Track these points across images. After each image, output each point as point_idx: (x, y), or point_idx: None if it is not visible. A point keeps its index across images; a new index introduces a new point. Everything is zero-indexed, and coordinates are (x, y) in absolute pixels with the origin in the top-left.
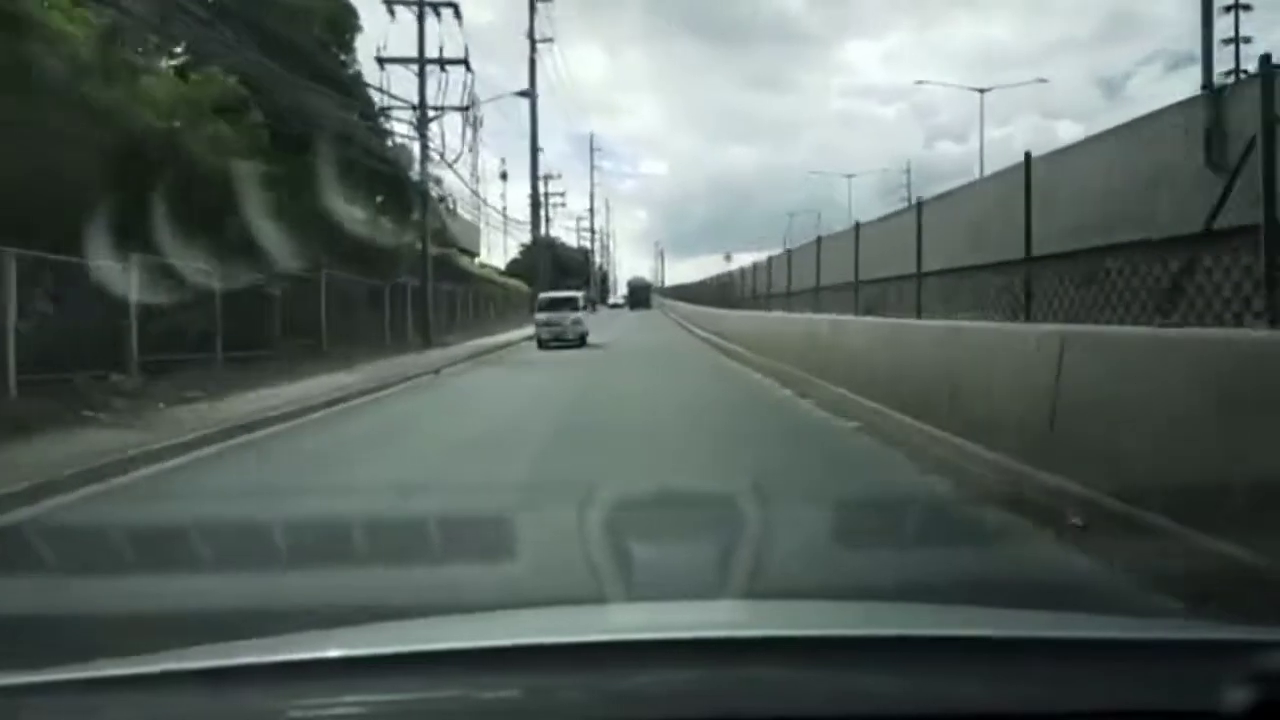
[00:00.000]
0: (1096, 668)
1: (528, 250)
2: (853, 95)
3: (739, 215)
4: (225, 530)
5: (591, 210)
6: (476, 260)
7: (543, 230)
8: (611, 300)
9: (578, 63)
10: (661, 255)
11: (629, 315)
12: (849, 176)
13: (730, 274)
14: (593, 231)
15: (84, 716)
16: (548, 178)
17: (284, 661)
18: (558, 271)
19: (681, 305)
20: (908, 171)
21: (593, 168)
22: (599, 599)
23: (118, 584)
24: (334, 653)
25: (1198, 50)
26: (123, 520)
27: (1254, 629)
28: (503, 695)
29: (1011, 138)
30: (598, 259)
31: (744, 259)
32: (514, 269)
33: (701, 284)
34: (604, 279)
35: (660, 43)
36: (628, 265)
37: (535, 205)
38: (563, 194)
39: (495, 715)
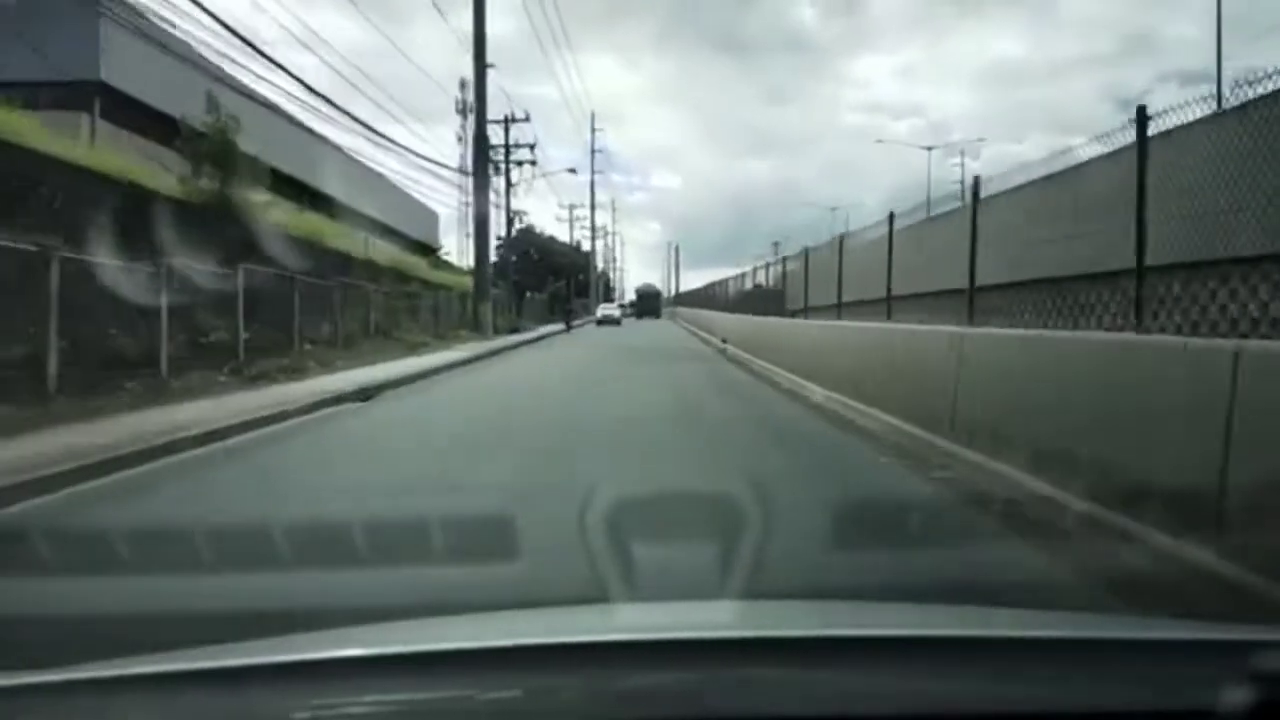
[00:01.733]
0: (1095, 667)
1: (509, 244)
2: (865, 110)
3: (750, 228)
4: (225, 531)
5: (592, 199)
6: (440, 254)
7: (503, 198)
8: (602, 311)
9: (591, 74)
10: (676, 251)
11: (628, 331)
12: (929, 149)
13: (768, 270)
14: (593, 226)
15: (86, 717)
16: (509, 120)
17: (286, 662)
18: (543, 270)
19: (719, 319)
20: (961, 163)
21: (593, 152)
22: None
23: (118, 584)
24: (337, 653)
25: (1213, 69)
26: (123, 520)
27: (1253, 628)
28: (504, 695)
29: (1024, 155)
30: (600, 261)
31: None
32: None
33: (741, 287)
34: (607, 285)
35: (673, 56)
36: (641, 277)
37: (481, 150)
38: (531, 147)
39: (496, 715)
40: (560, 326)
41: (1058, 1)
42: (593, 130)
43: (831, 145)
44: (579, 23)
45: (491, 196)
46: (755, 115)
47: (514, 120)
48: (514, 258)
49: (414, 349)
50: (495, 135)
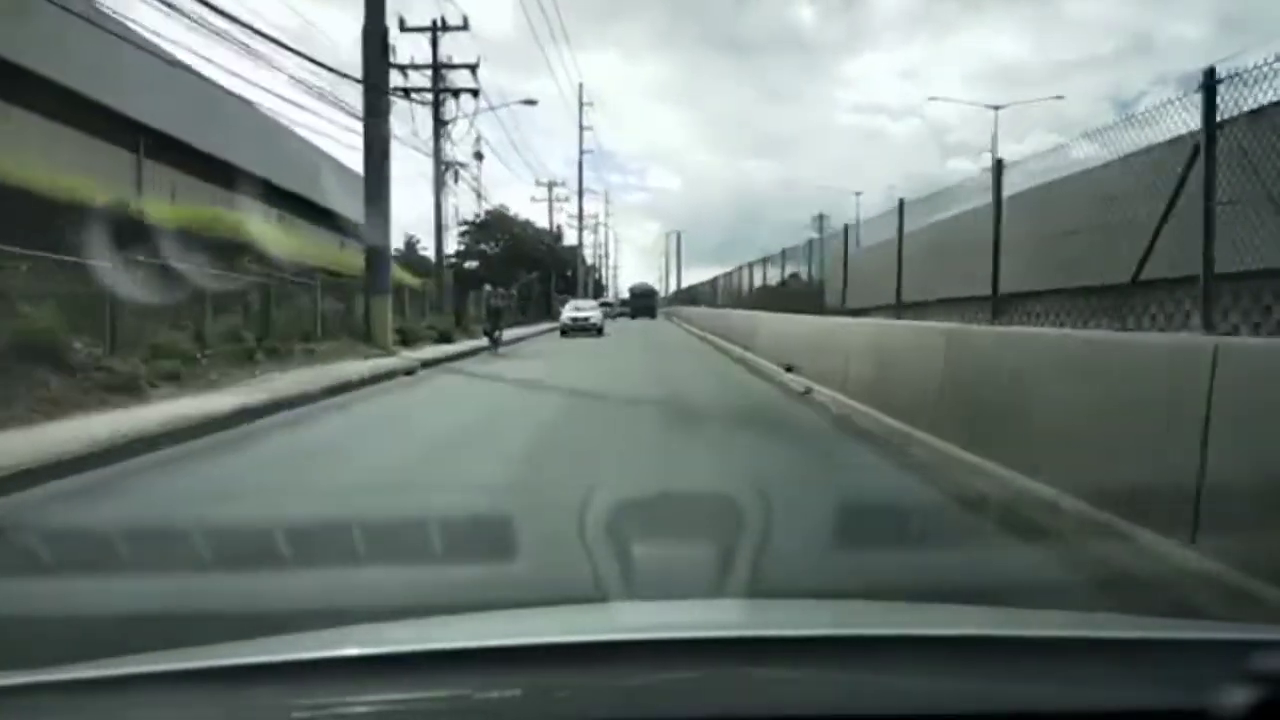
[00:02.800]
0: (1094, 667)
1: (478, 229)
2: (866, 111)
3: (750, 230)
4: (225, 530)
5: (580, 182)
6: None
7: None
8: (570, 313)
9: (588, 72)
10: (679, 241)
11: (612, 343)
12: (995, 108)
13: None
14: (580, 213)
15: (86, 717)
16: (438, 29)
17: (285, 661)
18: (514, 261)
19: (765, 326)
20: (996, 158)
21: (582, 129)
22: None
23: (118, 584)
24: (336, 652)
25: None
26: (122, 520)
27: (1253, 628)
28: (503, 695)
29: (1025, 154)
30: (591, 257)
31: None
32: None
33: (748, 282)
34: (598, 282)
35: (672, 55)
36: (638, 278)
37: (374, 41)
38: (473, 68)
39: (496, 715)
40: (510, 335)
41: (1058, 3)
42: (580, 105)
43: (831, 145)
44: (577, 22)
45: (412, 138)
46: (753, 114)
47: (446, 28)
48: (483, 246)
49: (132, 393)
50: (418, 54)
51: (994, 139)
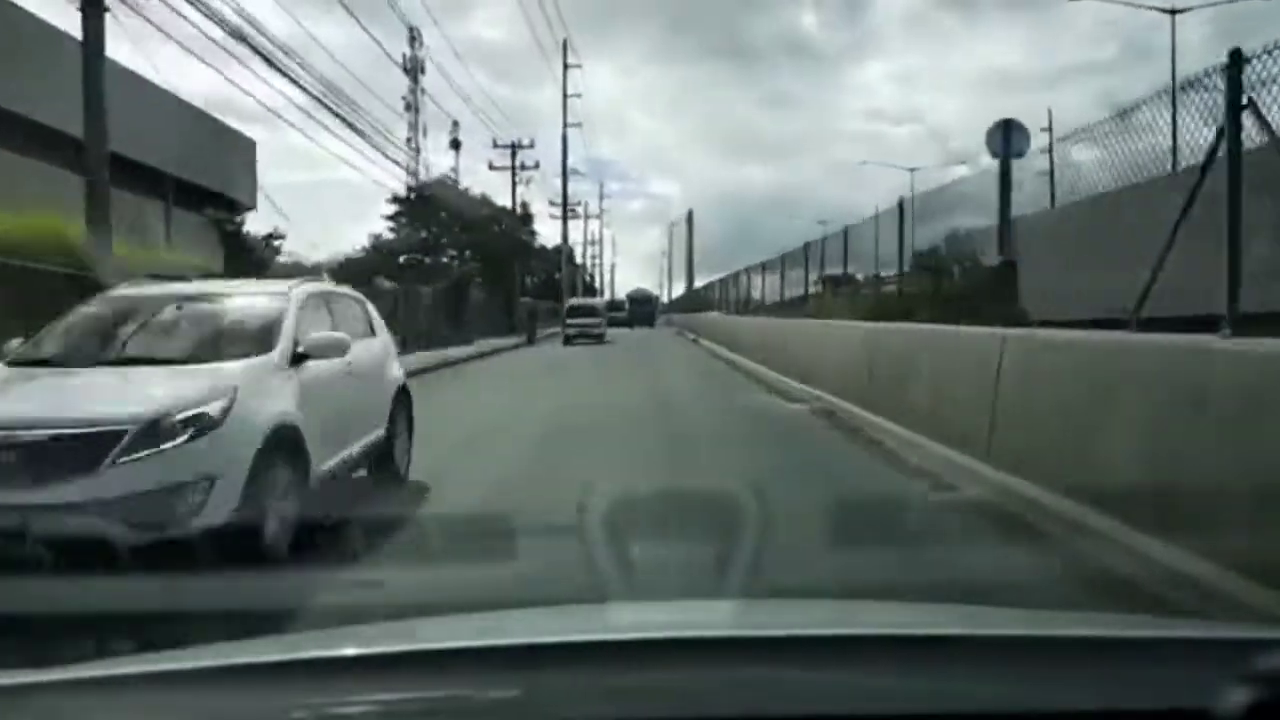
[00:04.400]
0: (1094, 667)
1: (414, 205)
2: (864, 117)
3: (751, 237)
4: (224, 530)
5: (564, 158)
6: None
7: None
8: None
9: (590, 82)
10: (690, 221)
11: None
12: (1172, 11)
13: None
14: (564, 199)
15: (86, 717)
16: None
17: (285, 661)
18: (462, 248)
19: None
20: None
21: (566, 97)
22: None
23: (118, 584)
24: (336, 652)
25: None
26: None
27: (1252, 628)
28: (502, 695)
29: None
30: (578, 252)
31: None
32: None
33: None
34: (588, 284)
35: (673, 63)
36: (638, 285)
37: None
38: None
39: (495, 715)
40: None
41: (1056, 12)
42: (565, 68)
43: (834, 151)
44: (576, 26)
45: None
46: (755, 121)
47: None
48: (424, 233)
49: None
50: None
51: (1173, 50)
